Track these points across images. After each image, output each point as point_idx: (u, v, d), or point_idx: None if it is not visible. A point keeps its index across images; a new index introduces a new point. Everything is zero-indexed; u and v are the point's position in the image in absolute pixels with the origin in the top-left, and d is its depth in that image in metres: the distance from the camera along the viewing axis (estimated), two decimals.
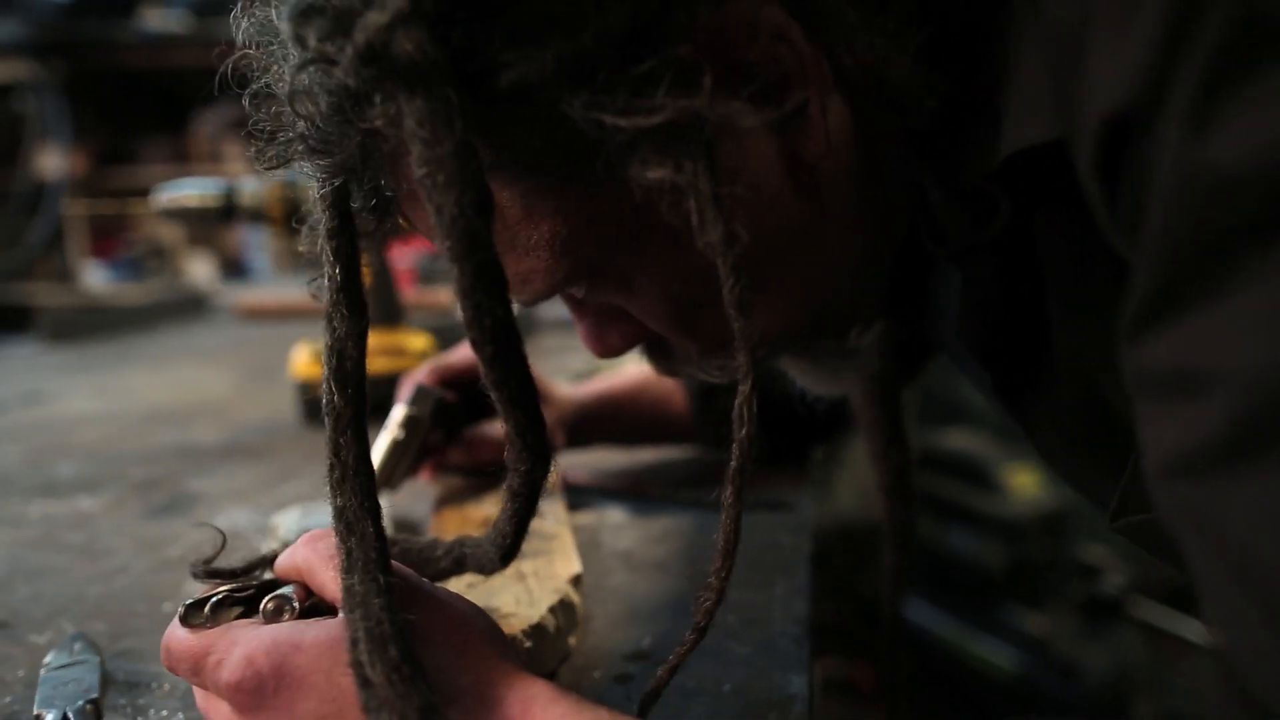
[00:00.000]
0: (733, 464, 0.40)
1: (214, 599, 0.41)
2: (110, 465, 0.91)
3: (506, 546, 0.45)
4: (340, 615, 0.40)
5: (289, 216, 0.98)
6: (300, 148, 0.40)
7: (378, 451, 0.66)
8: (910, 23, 0.36)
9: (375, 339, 1.01)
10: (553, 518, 0.66)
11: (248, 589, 0.43)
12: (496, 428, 0.75)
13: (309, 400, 1.03)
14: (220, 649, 0.38)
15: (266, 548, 0.60)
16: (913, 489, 0.71)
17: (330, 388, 0.42)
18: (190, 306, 1.94)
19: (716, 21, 0.35)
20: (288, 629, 0.39)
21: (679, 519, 0.75)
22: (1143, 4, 0.26)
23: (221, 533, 0.49)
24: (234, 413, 1.09)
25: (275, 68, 0.40)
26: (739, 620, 0.59)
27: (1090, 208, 0.32)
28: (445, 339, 1.15)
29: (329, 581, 0.42)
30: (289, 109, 0.39)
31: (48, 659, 0.52)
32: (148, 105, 3.08)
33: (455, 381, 0.77)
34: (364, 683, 0.35)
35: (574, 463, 0.84)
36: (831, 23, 0.36)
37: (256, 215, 0.98)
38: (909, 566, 0.73)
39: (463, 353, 0.79)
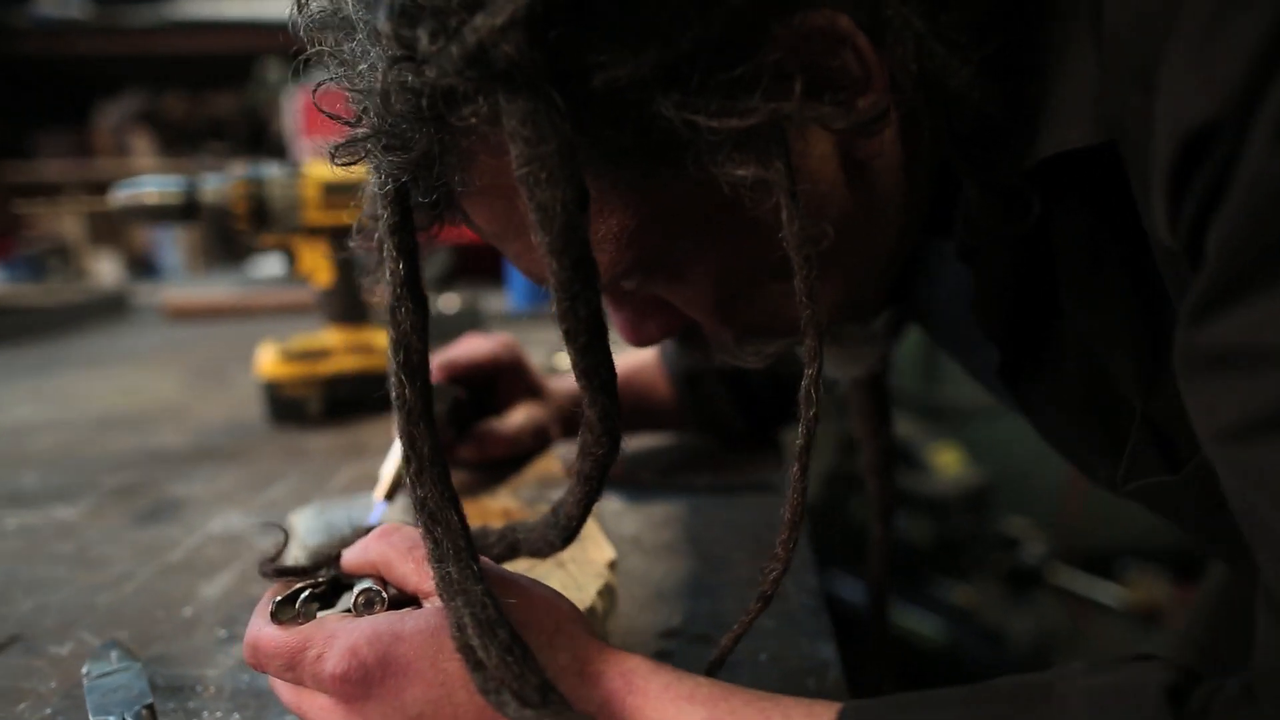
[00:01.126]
0: (799, 442, 0.42)
1: (303, 596, 0.41)
2: (76, 473, 0.88)
3: (571, 529, 0.47)
4: (428, 604, 0.42)
5: (255, 214, 0.97)
6: (374, 144, 0.41)
7: (397, 449, 0.67)
8: (973, 33, 0.39)
9: (343, 337, 1.01)
10: None
11: (319, 586, 0.43)
12: (506, 424, 0.76)
13: (277, 401, 1.02)
14: (318, 643, 0.39)
15: (291, 552, 0.60)
16: (895, 468, 0.76)
17: (400, 380, 0.43)
18: (109, 307, 1.86)
19: (797, 29, 0.37)
20: (384, 620, 0.40)
21: (674, 504, 0.77)
22: (1229, 26, 0.29)
23: (284, 531, 0.49)
24: (192, 416, 1.07)
25: (350, 63, 0.40)
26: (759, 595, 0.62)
27: (1140, 207, 0.36)
28: None
29: (410, 573, 0.43)
30: (368, 105, 0.40)
31: (86, 668, 0.51)
32: (45, 96, 2.91)
33: (462, 377, 0.77)
34: (476, 665, 0.37)
35: (559, 452, 0.85)
36: (897, 32, 0.39)
37: (220, 213, 0.95)
38: (894, 541, 0.77)
39: (466, 349, 0.79)
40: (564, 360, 1.04)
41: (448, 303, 1.51)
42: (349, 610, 0.42)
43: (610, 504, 0.78)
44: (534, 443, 0.79)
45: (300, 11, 0.43)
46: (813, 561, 0.67)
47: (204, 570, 0.66)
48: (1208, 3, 0.30)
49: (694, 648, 0.55)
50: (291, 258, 1.03)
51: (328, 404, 1.03)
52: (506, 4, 0.33)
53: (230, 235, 2.59)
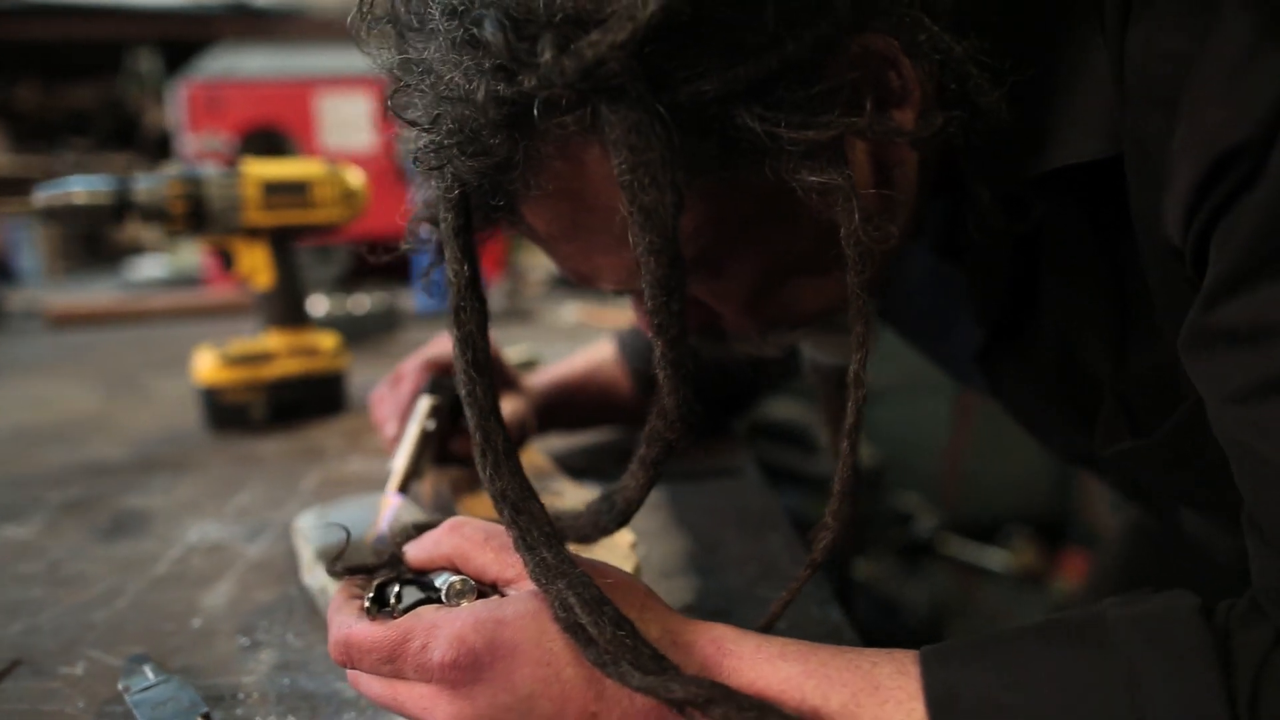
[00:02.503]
0: (850, 420, 0.46)
1: (395, 591, 0.42)
2: (14, 490, 0.83)
3: (628, 514, 0.49)
4: (512, 591, 0.43)
5: (192, 215, 0.93)
6: (458, 149, 0.42)
7: (409, 444, 0.67)
8: (998, 54, 0.43)
9: (285, 340, 0.99)
10: (572, 493, 0.69)
11: (404, 581, 0.44)
12: (508, 409, 0.76)
13: (218, 407, 0.98)
14: (420, 634, 0.40)
15: (303, 555, 0.60)
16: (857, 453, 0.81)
17: (470, 378, 0.44)
18: None
19: (864, 50, 0.41)
20: (482, 607, 0.41)
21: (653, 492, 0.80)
22: (1259, 66, 0.35)
23: (346, 530, 0.49)
24: (120, 427, 1.02)
25: (424, 70, 0.41)
26: (758, 569, 0.66)
27: (1138, 210, 0.42)
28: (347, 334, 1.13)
29: (490, 563, 0.44)
30: (447, 111, 0.41)
31: (123, 684, 0.50)
32: None
33: (448, 374, 0.77)
34: (588, 642, 0.39)
35: (535, 447, 0.87)
36: (929, 54, 0.43)
37: (153, 214, 0.91)
38: (859, 519, 0.83)
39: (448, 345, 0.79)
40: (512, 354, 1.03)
41: (358, 304, 1.48)
42: (425, 602, 0.43)
43: (587, 494, 0.79)
44: (518, 435, 0.80)
45: (364, 19, 0.44)
46: (795, 536, 0.72)
47: (197, 581, 0.65)
48: (1236, 46, 0.36)
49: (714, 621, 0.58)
50: (228, 259, 1.00)
51: (272, 409, 1.00)
52: (626, 22, 0.35)
53: (97, 236, 2.43)
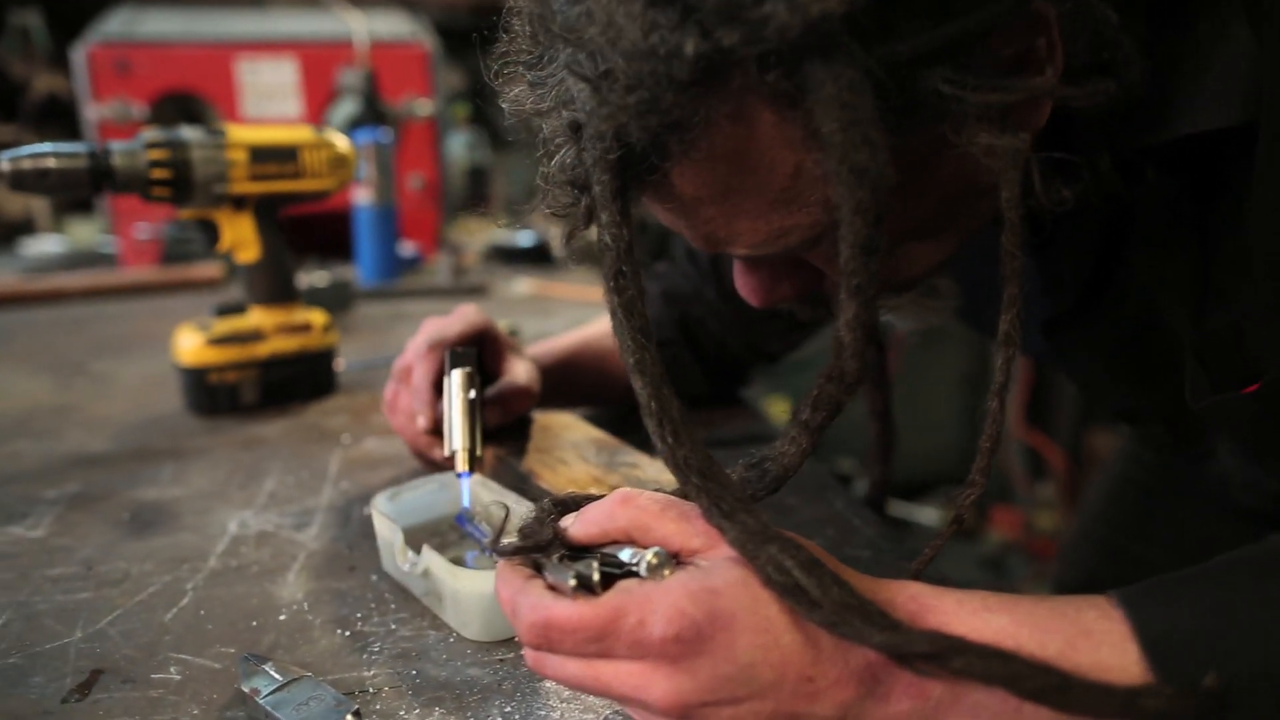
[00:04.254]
0: (999, 379, 0.47)
1: (597, 568, 0.40)
2: (1, 489, 0.75)
3: (783, 480, 0.48)
4: (702, 561, 0.42)
5: (176, 184, 0.86)
6: (632, 108, 0.40)
7: (460, 421, 0.64)
8: (1140, 23, 0.44)
9: (274, 317, 0.93)
10: (648, 465, 0.68)
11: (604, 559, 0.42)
12: (519, 379, 0.73)
13: (205, 389, 0.92)
14: (635, 609, 0.38)
15: (383, 538, 0.56)
16: (893, 414, 0.83)
17: (637, 345, 0.43)
18: None
19: (1032, 15, 0.41)
20: (692, 578, 0.40)
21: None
22: None
23: (506, 507, 0.47)
24: (91, 415, 0.93)
25: (613, 21, 0.39)
26: (837, 532, 0.67)
27: (1268, 174, 0.43)
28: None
29: (673, 534, 0.43)
30: (613, 68, 0.39)
31: (249, 686, 0.46)
32: None
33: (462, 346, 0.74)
34: (811, 604, 0.38)
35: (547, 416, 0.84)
36: (1091, 24, 0.43)
37: (131, 182, 0.84)
38: (892, 481, 0.84)
39: (459, 319, 0.75)
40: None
41: (319, 278, 1.41)
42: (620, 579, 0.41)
43: (660, 465, 0.76)
44: (535, 402, 0.77)
45: None
46: (850, 499, 0.73)
47: (261, 574, 0.60)
48: None
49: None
50: (213, 232, 0.92)
51: (263, 390, 0.94)
52: None
53: None
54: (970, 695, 0.40)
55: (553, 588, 0.41)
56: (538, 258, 1.89)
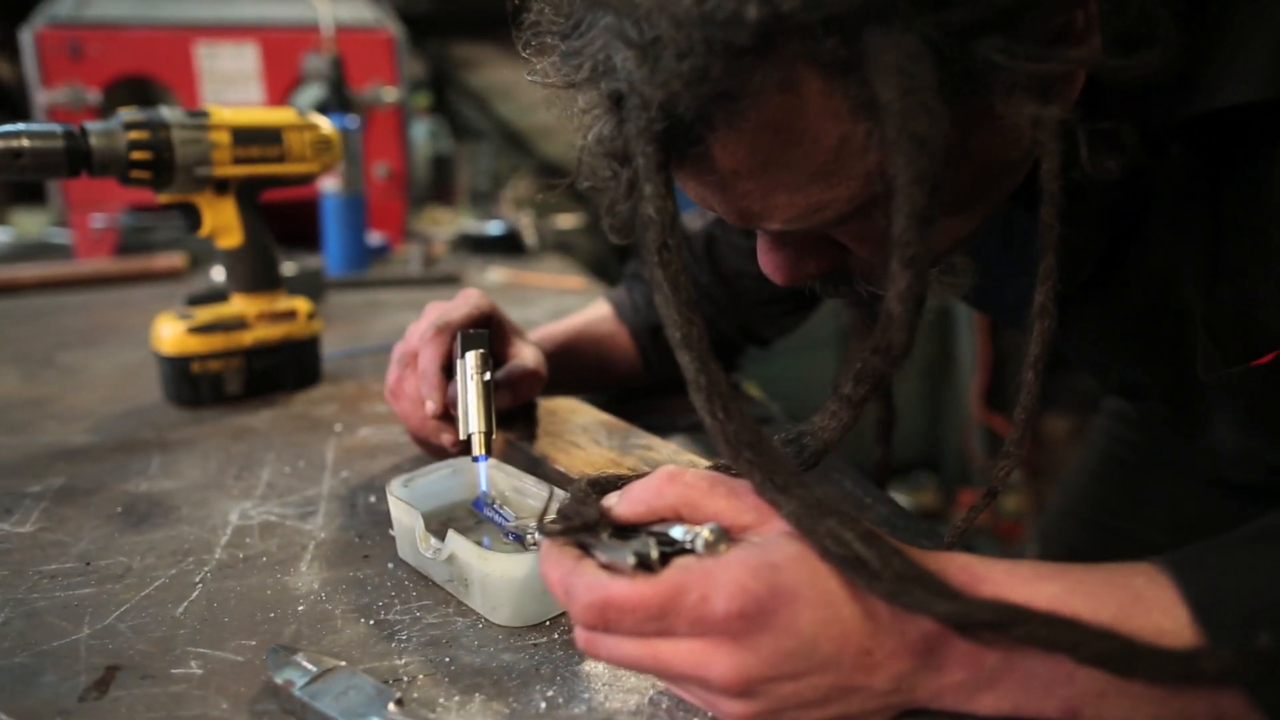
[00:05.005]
0: (1034, 350, 0.47)
1: (654, 545, 0.39)
2: None
3: (822, 454, 0.48)
4: (754, 536, 0.41)
5: (157, 166, 0.83)
6: (681, 76, 0.39)
7: (475, 404, 0.62)
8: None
9: (257, 305, 0.91)
10: (661, 447, 0.67)
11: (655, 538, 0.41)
12: (528, 361, 0.71)
13: (188, 378, 0.89)
14: (697, 585, 0.38)
15: (403, 524, 0.55)
16: (894, 395, 0.83)
17: (684, 319, 0.42)
18: None
19: None
20: (750, 553, 0.39)
21: (699, 443, 0.79)
22: None
23: (550, 488, 0.46)
24: (68, 408, 0.90)
25: None
26: (854, 510, 0.67)
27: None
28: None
29: (724, 509, 0.42)
30: (664, 36, 0.38)
31: (281, 678, 0.44)
32: None
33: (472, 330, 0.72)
34: (873, 576, 0.38)
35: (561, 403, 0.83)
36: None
37: (109, 164, 0.80)
38: (892, 462, 0.84)
39: (464, 303, 0.73)
40: None
41: (287, 268, 1.37)
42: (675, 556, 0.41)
43: (674, 447, 0.74)
44: (542, 384, 0.76)
45: None
46: (860, 475, 0.73)
47: (272, 565, 0.58)
48: None
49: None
50: (193, 217, 0.89)
51: (248, 380, 0.91)
52: None
53: None
54: (1024, 664, 0.40)
55: (606, 567, 0.41)
56: (508, 246, 1.87)
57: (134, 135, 0.81)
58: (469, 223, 2.01)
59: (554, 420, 0.73)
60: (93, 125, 0.80)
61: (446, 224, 2.06)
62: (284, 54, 1.73)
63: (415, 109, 2.18)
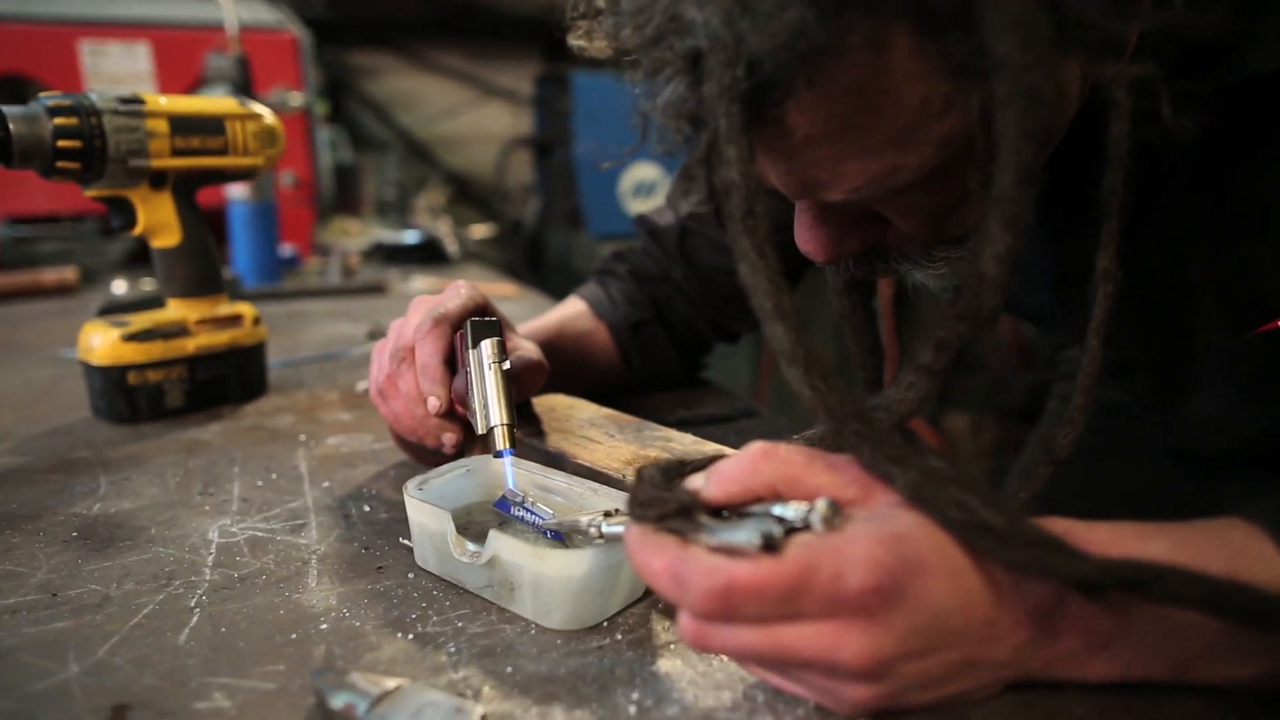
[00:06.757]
0: (1099, 316, 0.47)
1: (775, 522, 0.36)
2: None
3: (900, 425, 0.46)
4: (864, 511, 0.39)
5: (88, 156, 0.75)
6: (771, 34, 0.36)
7: (497, 394, 0.58)
8: None
9: (200, 309, 0.84)
10: (679, 438, 0.64)
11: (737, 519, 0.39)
12: (531, 354, 0.67)
13: (123, 390, 0.80)
14: (827, 563, 0.35)
15: (419, 523, 0.50)
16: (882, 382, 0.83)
17: (774, 286, 0.40)
18: None
19: None
20: (872, 526, 0.37)
21: (697, 438, 0.76)
22: None
23: (640, 473, 0.42)
24: None
25: None
26: None
27: None
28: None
29: (825, 485, 0.40)
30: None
31: (339, 703, 0.39)
32: None
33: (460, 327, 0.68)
34: (1002, 542, 0.36)
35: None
36: None
37: (33, 153, 0.72)
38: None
39: (452, 295, 0.68)
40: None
41: None
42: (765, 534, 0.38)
43: (691, 439, 0.71)
44: (544, 379, 0.72)
45: None
46: None
47: (274, 583, 0.52)
48: None
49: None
50: (126, 214, 0.81)
51: (190, 391, 0.83)
52: None
53: None
54: (1138, 626, 0.39)
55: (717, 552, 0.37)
56: (426, 256, 1.81)
57: (60, 121, 0.73)
58: (382, 233, 1.93)
59: (555, 417, 0.69)
60: (11, 110, 0.72)
61: (357, 235, 1.98)
62: (180, 54, 1.62)
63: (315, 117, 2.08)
